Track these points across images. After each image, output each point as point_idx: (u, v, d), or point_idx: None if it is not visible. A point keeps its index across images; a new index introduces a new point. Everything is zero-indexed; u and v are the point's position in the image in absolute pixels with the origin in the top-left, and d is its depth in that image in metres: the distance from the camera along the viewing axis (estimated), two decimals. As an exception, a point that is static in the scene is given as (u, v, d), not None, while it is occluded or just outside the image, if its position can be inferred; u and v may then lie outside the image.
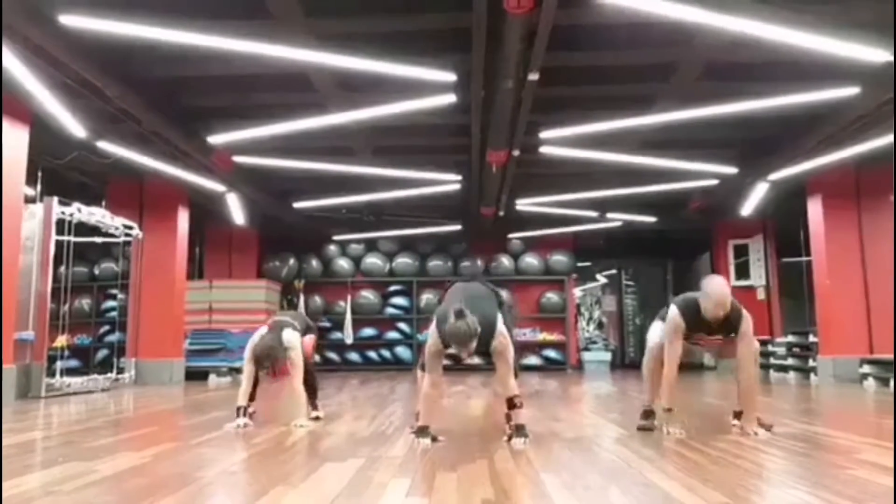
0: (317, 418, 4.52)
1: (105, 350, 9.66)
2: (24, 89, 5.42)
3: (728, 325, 3.81)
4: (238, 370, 9.59)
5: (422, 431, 3.51)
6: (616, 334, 15.54)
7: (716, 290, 3.75)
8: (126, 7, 4.61)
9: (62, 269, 7.42)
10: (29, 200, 6.89)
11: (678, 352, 3.83)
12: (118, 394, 7.06)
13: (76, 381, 7.04)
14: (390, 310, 12.62)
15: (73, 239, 7.30)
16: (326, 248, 12.99)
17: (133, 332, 8.39)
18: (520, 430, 3.50)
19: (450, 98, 5.97)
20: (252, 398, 4.33)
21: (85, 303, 10.81)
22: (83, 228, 7.40)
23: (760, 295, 11.67)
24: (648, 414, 4.04)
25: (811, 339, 9.25)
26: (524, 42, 4.75)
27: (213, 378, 8.90)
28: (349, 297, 12.52)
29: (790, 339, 9.90)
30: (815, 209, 8.94)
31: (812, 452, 3.28)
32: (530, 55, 4.97)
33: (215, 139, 7.01)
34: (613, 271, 15.86)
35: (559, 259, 12.73)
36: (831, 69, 5.53)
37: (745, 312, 3.83)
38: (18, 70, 5.09)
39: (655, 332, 4.09)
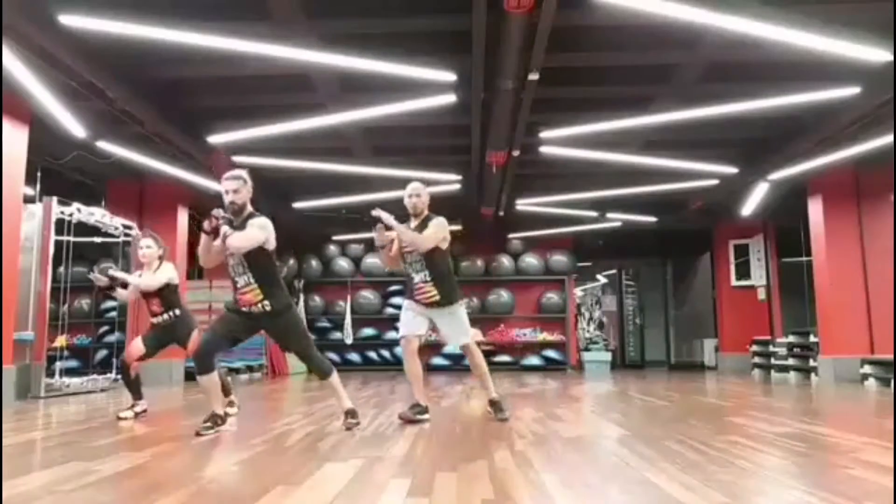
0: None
1: (104, 350, 9.64)
2: (24, 89, 5.42)
3: None
4: (238, 370, 9.60)
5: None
6: (616, 334, 15.54)
7: None
8: (126, 7, 4.61)
9: (61, 269, 7.42)
10: (28, 200, 6.88)
11: None
12: (118, 394, 7.05)
13: (75, 382, 7.04)
14: (390, 310, 12.62)
15: (72, 239, 7.30)
16: (326, 248, 12.99)
17: (132, 333, 8.38)
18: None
19: (450, 98, 5.97)
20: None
21: (84, 303, 10.79)
22: (83, 228, 7.39)
23: (761, 295, 11.67)
24: None
25: (812, 339, 9.25)
26: (524, 42, 4.75)
27: (212, 378, 8.89)
28: (349, 297, 12.53)
29: (791, 339, 9.90)
30: (815, 209, 8.94)
31: (812, 452, 3.28)
32: (530, 55, 4.98)
33: (215, 139, 7.01)
34: (613, 271, 15.86)
35: (559, 259, 12.74)
36: (831, 69, 5.54)
37: None
38: (18, 70, 5.09)
39: None
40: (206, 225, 3.88)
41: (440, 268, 4.42)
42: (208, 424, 3.90)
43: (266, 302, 3.89)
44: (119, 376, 7.70)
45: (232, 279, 3.94)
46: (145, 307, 4.90)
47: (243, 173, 3.98)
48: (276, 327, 4.03)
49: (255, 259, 3.86)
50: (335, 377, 4.13)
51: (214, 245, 3.90)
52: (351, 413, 4.09)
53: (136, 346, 4.85)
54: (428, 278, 4.39)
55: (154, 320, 4.84)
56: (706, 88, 6.25)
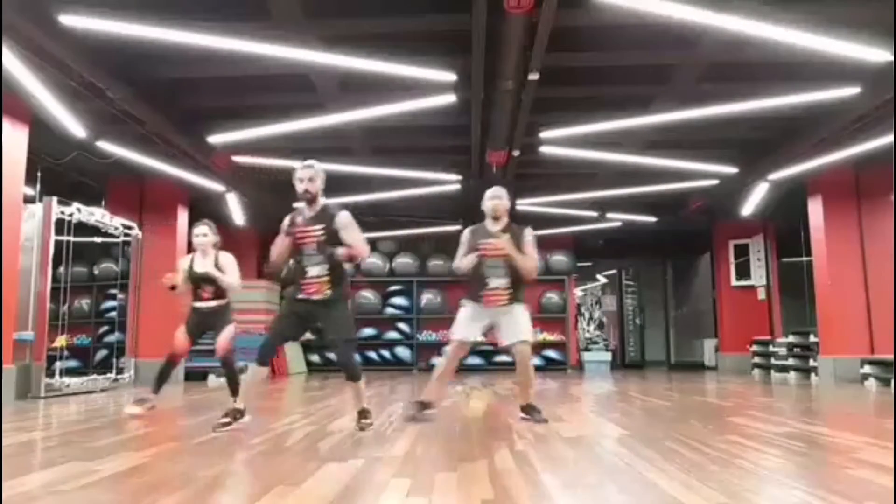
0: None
1: (104, 350, 9.64)
2: (24, 89, 5.41)
3: None
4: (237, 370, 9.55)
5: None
6: (616, 334, 15.54)
7: None
8: (126, 7, 4.61)
9: (61, 269, 7.41)
10: (28, 200, 6.88)
11: None
12: (118, 394, 7.05)
13: (76, 382, 7.04)
14: (390, 310, 12.63)
15: (72, 239, 7.29)
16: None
17: (132, 333, 8.39)
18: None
19: (450, 98, 5.97)
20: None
21: (84, 303, 10.78)
22: (83, 228, 7.39)
23: (761, 295, 11.67)
24: None
25: (812, 339, 9.24)
26: (524, 42, 4.75)
27: (212, 378, 8.88)
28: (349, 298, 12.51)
29: (791, 339, 9.90)
30: (815, 209, 8.94)
31: (812, 452, 3.28)
32: (530, 55, 4.98)
33: (215, 139, 7.01)
34: (613, 271, 15.87)
35: (559, 259, 12.73)
36: (831, 69, 5.54)
37: None
38: (18, 70, 5.09)
39: None
40: (286, 227, 3.99)
41: (519, 273, 4.41)
42: (229, 419, 3.97)
43: (329, 291, 3.96)
44: (117, 375, 7.74)
45: (301, 269, 3.98)
46: (190, 293, 4.90)
47: (317, 163, 4.06)
48: (329, 315, 4.03)
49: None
50: (363, 383, 4.16)
51: (286, 244, 4.00)
52: (364, 413, 4.09)
53: (184, 339, 4.90)
54: (507, 284, 4.37)
55: (199, 305, 4.88)
56: (706, 88, 6.25)
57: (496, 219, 4.50)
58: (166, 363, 4.97)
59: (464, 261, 4.44)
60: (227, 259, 4.92)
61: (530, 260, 4.41)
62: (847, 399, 6.50)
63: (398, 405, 5.61)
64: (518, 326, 4.40)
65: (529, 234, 4.48)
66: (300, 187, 3.99)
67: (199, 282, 4.86)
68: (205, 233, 4.90)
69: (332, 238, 3.94)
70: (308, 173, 3.99)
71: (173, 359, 4.96)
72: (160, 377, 4.95)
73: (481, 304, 4.42)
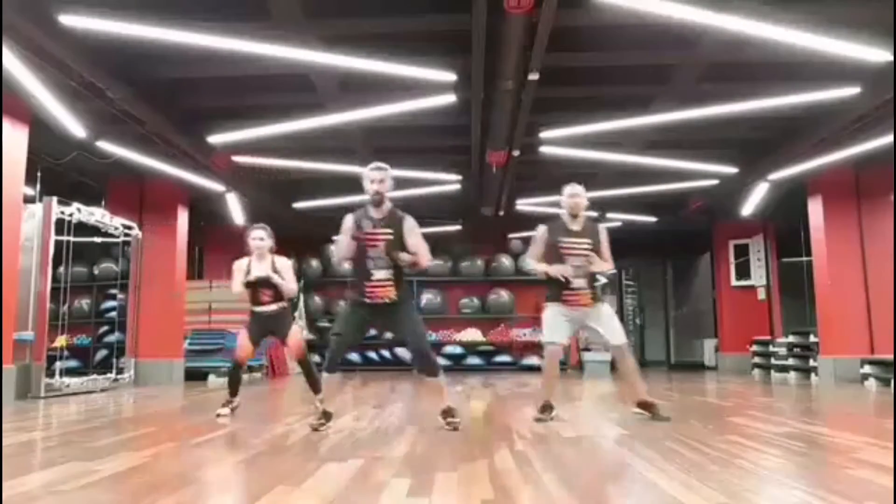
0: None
1: (104, 350, 9.63)
2: (24, 89, 5.41)
3: None
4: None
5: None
6: (616, 334, 15.49)
7: None
8: (126, 7, 4.61)
9: (61, 269, 7.41)
10: (28, 200, 6.88)
11: None
12: (118, 394, 7.05)
13: (75, 382, 7.04)
14: (390, 310, 12.60)
15: (72, 239, 7.29)
16: (326, 248, 12.98)
17: (132, 333, 8.39)
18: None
19: (450, 98, 5.97)
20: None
21: (84, 303, 10.77)
22: (83, 228, 7.39)
23: (761, 295, 11.66)
24: None
25: (812, 339, 9.24)
26: (524, 42, 4.75)
27: (212, 378, 8.89)
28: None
29: (791, 339, 9.89)
30: (815, 209, 8.93)
31: (812, 452, 3.28)
32: (530, 55, 4.97)
33: (215, 139, 7.01)
34: (613, 271, 15.84)
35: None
36: (831, 69, 5.53)
37: None
38: (18, 70, 5.09)
39: None
40: (352, 228, 4.01)
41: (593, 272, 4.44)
42: (322, 421, 4.01)
43: (396, 294, 3.98)
44: (117, 375, 7.74)
45: (366, 272, 3.97)
46: (249, 296, 4.88)
47: (387, 166, 4.08)
48: (401, 316, 4.05)
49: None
50: (443, 377, 4.15)
51: (351, 246, 4.01)
52: (450, 412, 4.05)
53: (247, 344, 4.88)
54: (585, 283, 4.40)
55: (259, 309, 4.84)
56: (706, 88, 6.24)
57: (575, 216, 4.48)
58: (234, 369, 5.00)
59: (541, 265, 4.42)
60: (284, 263, 4.89)
61: (610, 262, 4.46)
62: (847, 399, 6.50)
63: (398, 405, 5.61)
64: (615, 330, 4.44)
65: (602, 230, 4.53)
66: (371, 188, 4.00)
67: (258, 286, 4.81)
68: (262, 237, 4.86)
69: (399, 242, 3.97)
70: (379, 175, 4.00)
71: (240, 365, 4.96)
72: (232, 382, 4.95)
73: (566, 305, 4.39)
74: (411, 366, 12.11)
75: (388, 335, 12.44)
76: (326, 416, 4.04)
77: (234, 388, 4.92)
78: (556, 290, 4.41)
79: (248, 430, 4.07)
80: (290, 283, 4.86)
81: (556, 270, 4.36)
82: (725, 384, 8.57)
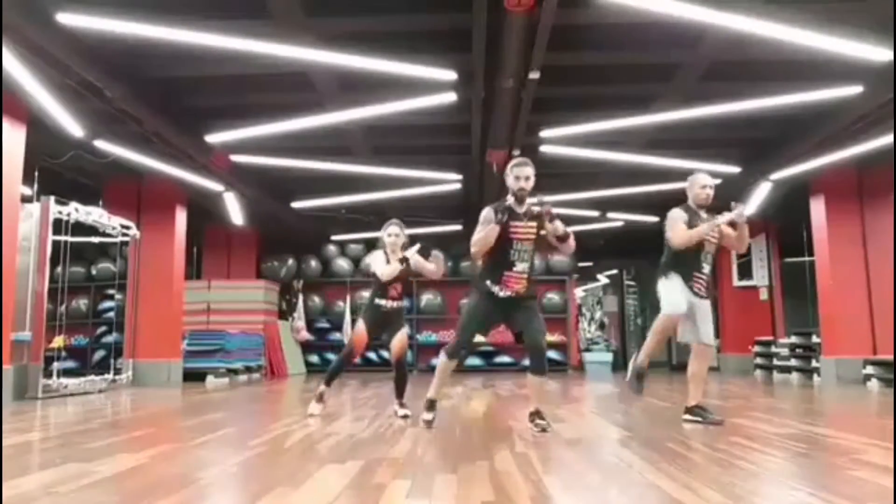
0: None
1: (102, 351, 9.62)
2: (22, 88, 5.39)
3: None
4: (235, 371, 9.56)
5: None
6: (617, 335, 15.51)
7: None
8: (125, 6, 4.59)
9: (59, 269, 7.39)
10: (26, 200, 6.85)
11: None
12: (116, 395, 7.03)
13: (73, 382, 7.00)
14: (390, 310, 12.58)
15: (70, 239, 7.26)
16: (325, 247, 12.97)
17: (130, 333, 8.37)
18: None
19: (450, 97, 5.95)
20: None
21: (82, 303, 10.77)
22: (80, 228, 7.37)
23: (763, 295, 11.64)
24: None
25: (814, 339, 9.22)
26: (525, 41, 4.73)
27: (210, 379, 8.87)
28: (348, 298, 12.49)
29: (793, 339, 9.87)
30: (817, 209, 8.91)
31: (813, 453, 3.26)
32: (531, 54, 4.95)
33: (214, 138, 6.98)
34: (615, 271, 15.83)
35: (560, 259, 12.71)
36: (833, 69, 5.51)
37: None
38: (16, 69, 5.06)
39: None
40: (500, 218, 3.98)
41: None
42: (432, 413, 4.18)
43: (530, 288, 4.05)
44: (115, 375, 7.72)
45: (508, 263, 3.99)
46: (375, 288, 4.83)
47: (531, 162, 4.11)
48: (530, 311, 4.06)
49: (539, 252, 4.12)
50: (546, 378, 4.17)
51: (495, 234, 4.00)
52: (539, 413, 4.03)
53: (365, 337, 4.81)
54: (710, 272, 4.43)
55: (384, 303, 4.77)
56: (708, 88, 6.22)
57: (704, 207, 4.41)
58: (344, 359, 4.93)
59: (688, 233, 4.27)
60: (413, 253, 4.83)
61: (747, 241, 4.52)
62: (849, 400, 6.48)
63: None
64: (708, 327, 4.38)
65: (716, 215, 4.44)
66: (517, 185, 4.03)
67: (393, 280, 4.76)
68: (397, 233, 4.84)
69: (540, 238, 4.08)
70: (527, 171, 4.03)
71: (352, 356, 4.88)
72: (334, 372, 4.95)
73: (690, 286, 4.31)
74: (411, 366, 12.12)
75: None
76: (432, 404, 4.23)
77: (331, 378, 4.90)
78: (685, 272, 4.34)
79: (248, 431, 4.05)
80: (430, 265, 4.77)
81: (693, 233, 4.29)
82: (727, 385, 8.54)
